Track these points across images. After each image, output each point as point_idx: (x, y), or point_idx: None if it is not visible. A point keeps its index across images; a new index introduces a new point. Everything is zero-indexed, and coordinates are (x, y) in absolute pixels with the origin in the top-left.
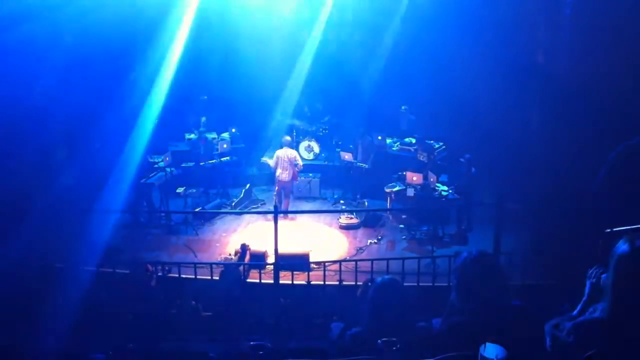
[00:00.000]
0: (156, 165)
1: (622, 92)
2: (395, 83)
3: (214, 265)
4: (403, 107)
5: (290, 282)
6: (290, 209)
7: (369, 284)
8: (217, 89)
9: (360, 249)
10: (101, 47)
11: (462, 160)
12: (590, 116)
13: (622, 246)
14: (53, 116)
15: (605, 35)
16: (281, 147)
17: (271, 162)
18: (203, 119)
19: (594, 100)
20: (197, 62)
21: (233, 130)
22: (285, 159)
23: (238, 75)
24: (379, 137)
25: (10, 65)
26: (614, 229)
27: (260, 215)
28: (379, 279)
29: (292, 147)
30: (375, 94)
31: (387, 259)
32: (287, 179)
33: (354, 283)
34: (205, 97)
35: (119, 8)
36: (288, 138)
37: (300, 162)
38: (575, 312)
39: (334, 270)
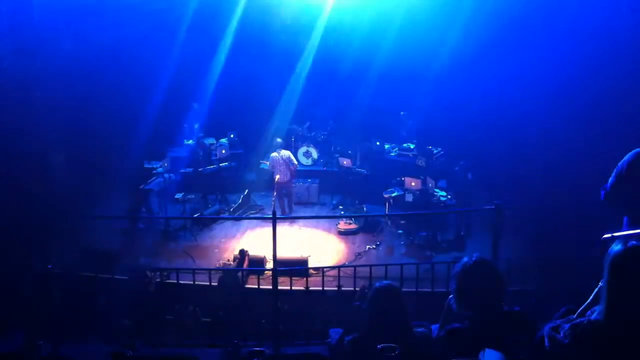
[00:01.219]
0: (155, 171)
1: (623, 95)
2: (394, 88)
3: (212, 271)
4: (402, 113)
5: (288, 287)
6: (289, 214)
7: (366, 290)
8: (216, 95)
9: (359, 254)
10: (100, 52)
11: (457, 168)
12: (591, 120)
13: (616, 247)
14: (52, 120)
15: (604, 36)
16: (274, 150)
17: (268, 166)
18: (196, 125)
19: (594, 104)
20: (196, 66)
21: (231, 135)
22: (280, 160)
23: (237, 81)
24: (377, 143)
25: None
26: (614, 234)
27: (258, 221)
28: (377, 283)
29: (284, 148)
30: (374, 100)
31: (386, 265)
32: (285, 180)
33: (352, 289)
34: (196, 105)
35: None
36: (279, 140)
37: (295, 161)
38: (575, 314)
39: (333, 276)
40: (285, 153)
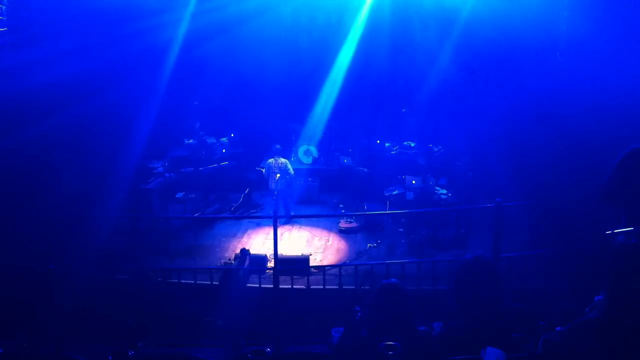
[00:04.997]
0: (155, 171)
1: (624, 94)
2: (395, 86)
3: (213, 270)
4: (403, 110)
5: (290, 286)
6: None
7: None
8: (216, 94)
9: (360, 253)
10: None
11: (458, 163)
12: (590, 117)
13: (620, 242)
14: (54, 120)
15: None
16: (272, 157)
17: (264, 172)
18: (197, 124)
19: (593, 101)
20: (197, 67)
21: (232, 135)
22: (276, 168)
23: (237, 79)
24: (378, 141)
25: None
26: (615, 231)
27: (259, 220)
28: (383, 281)
29: (283, 155)
30: (375, 97)
31: (387, 263)
32: (280, 188)
33: (354, 287)
34: (196, 103)
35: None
36: (278, 146)
37: (292, 171)
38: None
39: (334, 275)
40: (282, 161)
